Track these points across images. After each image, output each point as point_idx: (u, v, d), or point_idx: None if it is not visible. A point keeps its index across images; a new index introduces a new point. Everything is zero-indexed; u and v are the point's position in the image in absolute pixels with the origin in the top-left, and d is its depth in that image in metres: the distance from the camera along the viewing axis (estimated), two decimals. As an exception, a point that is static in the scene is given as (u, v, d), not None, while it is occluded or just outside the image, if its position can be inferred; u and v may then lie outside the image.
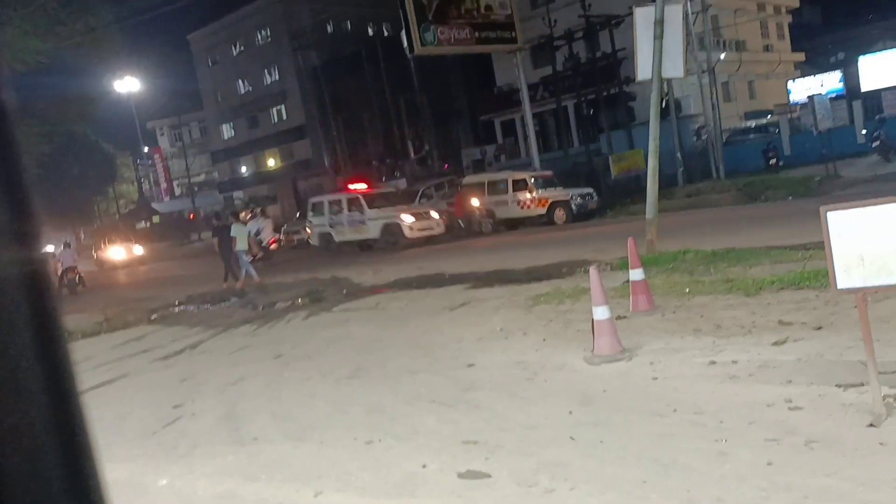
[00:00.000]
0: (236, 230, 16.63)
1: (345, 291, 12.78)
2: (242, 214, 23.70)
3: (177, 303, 14.86)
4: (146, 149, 62.30)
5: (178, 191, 63.87)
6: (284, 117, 51.02)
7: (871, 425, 3.74)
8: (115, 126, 52.94)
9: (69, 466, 0.52)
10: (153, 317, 13.30)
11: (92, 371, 8.92)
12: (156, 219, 57.99)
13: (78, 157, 52.12)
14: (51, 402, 0.51)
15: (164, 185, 64.48)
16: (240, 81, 53.58)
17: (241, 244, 16.18)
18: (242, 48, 52.54)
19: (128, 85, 39.71)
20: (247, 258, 16.28)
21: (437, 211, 21.76)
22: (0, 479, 0.48)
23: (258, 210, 27.97)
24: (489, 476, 3.88)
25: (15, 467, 0.49)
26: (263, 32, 50.63)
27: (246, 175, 55.82)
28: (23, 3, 16.79)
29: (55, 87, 21.54)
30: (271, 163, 52.94)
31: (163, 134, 66.50)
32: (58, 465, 0.52)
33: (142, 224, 57.26)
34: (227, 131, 56.65)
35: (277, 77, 50.52)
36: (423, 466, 4.14)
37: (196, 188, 55.78)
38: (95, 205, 65.47)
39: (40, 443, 0.50)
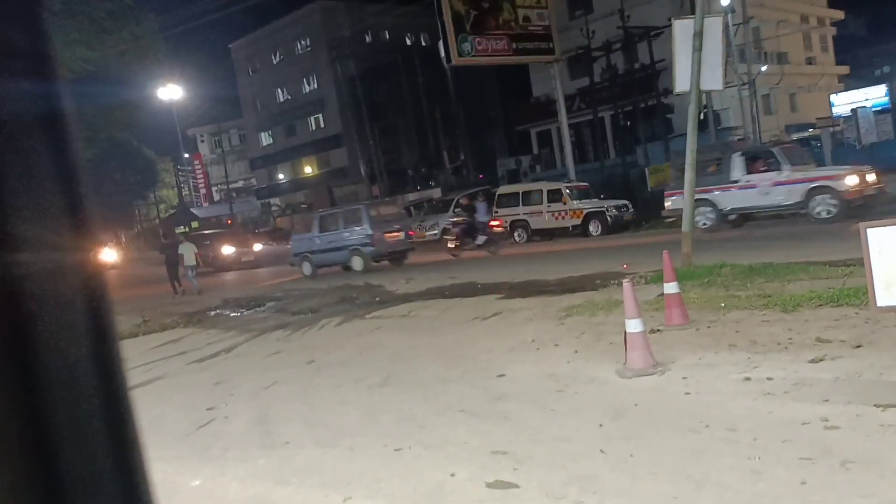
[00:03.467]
0: (184, 248, 19.32)
1: (377, 299, 12.86)
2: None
3: (213, 307, 15.09)
4: (186, 155, 63.46)
5: (216, 196, 64.86)
6: (322, 125, 51.60)
7: (911, 447, 3.65)
8: (156, 132, 54.06)
9: (119, 462, 0.55)
10: (190, 320, 13.52)
11: (129, 373, 9.07)
12: (194, 224, 58.96)
13: (120, 162, 53.31)
14: (104, 400, 0.54)
15: (203, 191, 65.52)
16: (279, 90, 54.36)
17: (188, 260, 18.90)
18: (282, 57, 53.32)
19: (170, 92, 40.50)
20: (191, 273, 19.04)
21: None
22: (58, 472, 0.51)
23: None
24: (518, 487, 3.87)
25: (71, 461, 0.52)
26: (303, 42, 51.33)
27: (283, 182, 56.53)
28: (71, 12, 17.28)
29: (100, 95, 22.06)
30: (308, 170, 53.54)
31: (203, 140, 67.69)
32: (109, 460, 0.54)
33: (181, 228, 58.29)
34: (265, 139, 57.48)
35: (316, 86, 51.14)
36: (452, 475, 4.14)
37: (234, 194, 56.60)
38: (136, 209, 66.81)
39: (94, 438, 0.53)
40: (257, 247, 30.00)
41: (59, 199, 0.52)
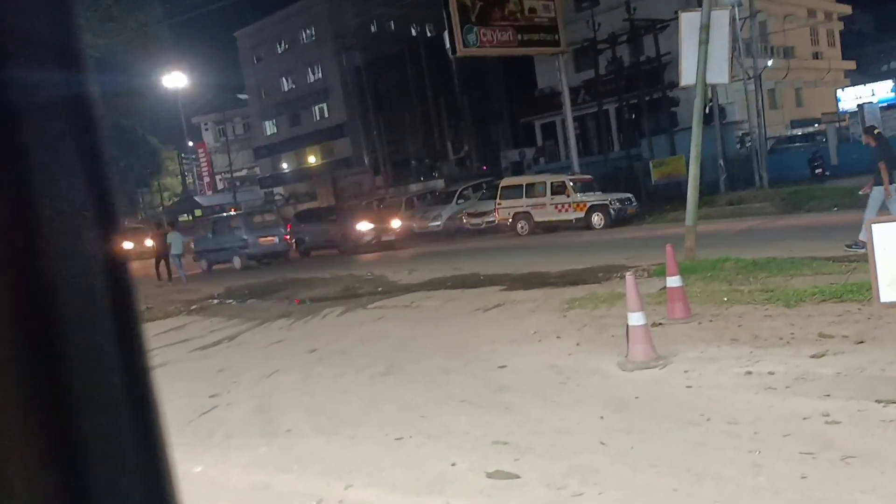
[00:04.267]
0: (172, 237, 20.17)
1: (380, 289, 12.88)
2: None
3: (216, 295, 15.12)
4: (191, 143, 63.44)
5: (220, 185, 64.88)
6: (326, 115, 51.54)
7: (912, 443, 3.66)
8: (161, 120, 54.10)
9: (142, 444, 0.56)
10: (192, 308, 13.55)
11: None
12: (198, 212, 59.06)
13: (124, 150, 53.34)
14: (127, 380, 0.55)
15: (206, 180, 65.53)
16: (284, 79, 54.26)
17: (175, 249, 19.87)
18: (287, 46, 53.20)
19: (175, 80, 40.47)
20: (179, 261, 19.88)
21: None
22: (82, 453, 0.52)
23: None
24: (518, 477, 3.88)
25: (95, 441, 0.52)
26: (308, 31, 51.20)
27: (287, 171, 56.51)
28: (76, -1, 17.26)
29: (105, 82, 22.06)
30: (312, 160, 53.50)
31: (207, 129, 67.65)
32: (131, 441, 0.55)
33: (184, 217, 58.38)
34: (269, 128, 57.43)
35: (321, 75, 51.05)
36: (453, 465, 4.16)
37: (238, 183, 56.63)
38: (140, 197, 66.88)
39: (118, 420, 0.54)
40: (396, 223, 25.34)
41: (86, 187, 0.53)
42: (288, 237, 23.63)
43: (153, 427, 0.57)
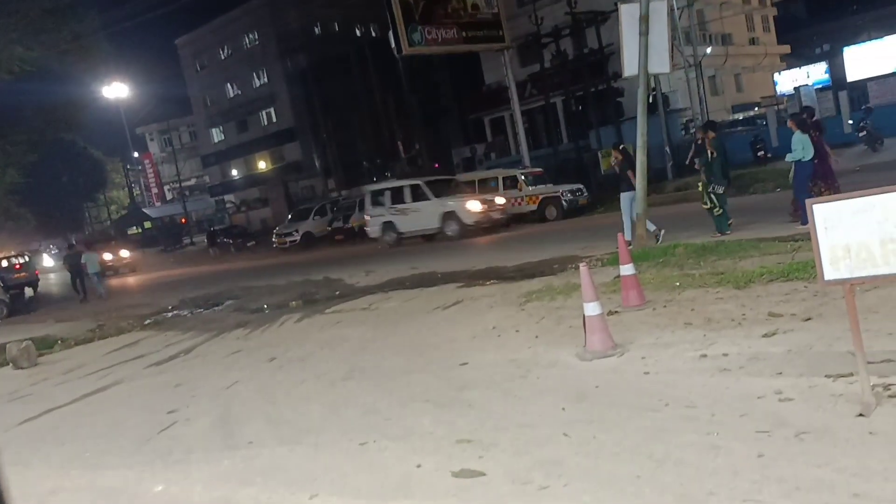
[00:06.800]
0: (87, 257, 21.35)
1: (337, 293, 12.78)
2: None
3: (170, 308, 14.83)
4: (136, 154, 62.06)
5: (169, 196, 63.63)
6: (274, 120, 50.96)
7: (861, 415, 3.77)
8: (104, 132, 52.76)
9: None
10: (146, 322, 13.27)
11: (85, 378, 8.91)
12: (147, 224, 57.83)
13: (67, 164, 51.89)
14: None
15: (154, 191, 64.23)
16: (228, 85, 53.48)
17: (91, 268, 21.09)
18: (230, 52, 52.43)
19: (116, 91, 39.55)
20: (97, 280, 21.25)
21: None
22: None
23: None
24: (484, 475, 3.89)
25: None
26: (251, 36, 50.53)
27: (237, 178, 55.71)
28: (5, 11, 16.66)
29: (42, 95, 21.41)
30: (262, 165, 52.86)
31: (152, 139, 66.29)
32: None
33: (133, 229, 57.12)
34: (216, 135, 56.53)
35: (266, 80, 50.45)
36: (418, 466, 4.15)
37: (187, 192, 55.62)
38: (87, 211, 65.18)
39: None
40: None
41: None
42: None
43: None
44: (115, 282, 28.21)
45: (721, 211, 11.37)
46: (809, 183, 10.88)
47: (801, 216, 10.36)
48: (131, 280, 29.71)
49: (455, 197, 21.28)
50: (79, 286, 21.65)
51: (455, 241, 20.22)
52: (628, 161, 12.13)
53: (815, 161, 10.91)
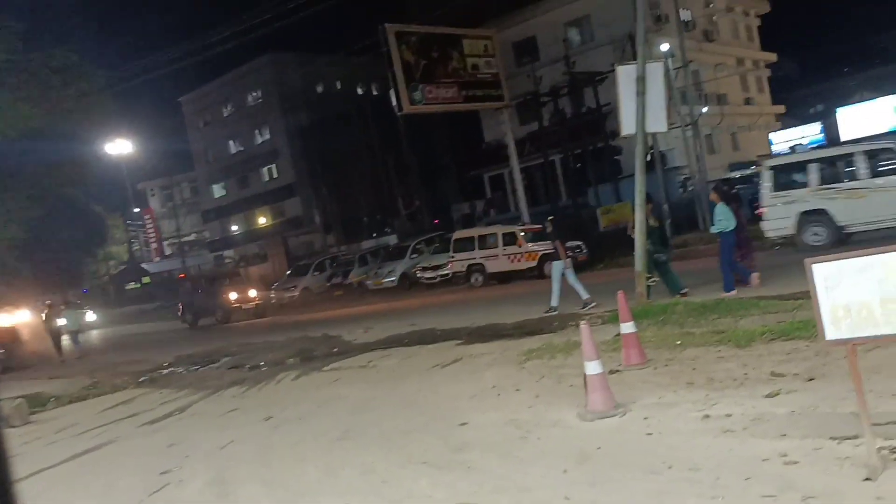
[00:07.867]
0: (66, 315, 22.22)
1: (335, 350, 12.68)
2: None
3: (165, 364, 14.69)
4: (137, 209, 62.44)
5: (168, 251, 63.75)
6: (275, 176, 51.38)
7: (868, 479, 3.70)
8: (106, 187, 53.05)
9: None
10: (141, 379, 13.13)
11: (78, 437, 8.77)
12: (146, 279, 57.77)
13: (68, 219, 52.05)
14: None
15: (154, 246, 64.39)
16: (231, 142, 54.11)
17: (71, 325, 22.02)
18: (233, 109, 53.21)
19: (119, 147, 39.98)
20: (75, 338, 21.85)
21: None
22: None
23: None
24: (484, 540, 3.80)
25: None
26: (254, 94, 51.36)
27: (236, 233, 55.88)
28: (15, 69, 16.97)
29: (46, 152, 21.63)
30: (262, 221, 53.07)
31: (154, 194, 66.74)
32: None
33: (131, 284, 57.02)
34: (217, 191, 56.93)
35: (268, 136, 51.08)
36: (417, 531, 4.05)
37: (187, 248, 55.72)
38: (85, 267, 65.18)
39: None
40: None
41: None
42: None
43: None
44: (241, 325, 24.06)
45: (655, 281, 11.57)
46: (734, 252, 11.22)
47: (726, 284, 10.88)
48: (261, 322, 24.14)
49: None
50: (57, 345, 21.65)
51: (459, 297, 20.18)
52: (554, 232, 13.48)
53: (736, 231, 11.17)
